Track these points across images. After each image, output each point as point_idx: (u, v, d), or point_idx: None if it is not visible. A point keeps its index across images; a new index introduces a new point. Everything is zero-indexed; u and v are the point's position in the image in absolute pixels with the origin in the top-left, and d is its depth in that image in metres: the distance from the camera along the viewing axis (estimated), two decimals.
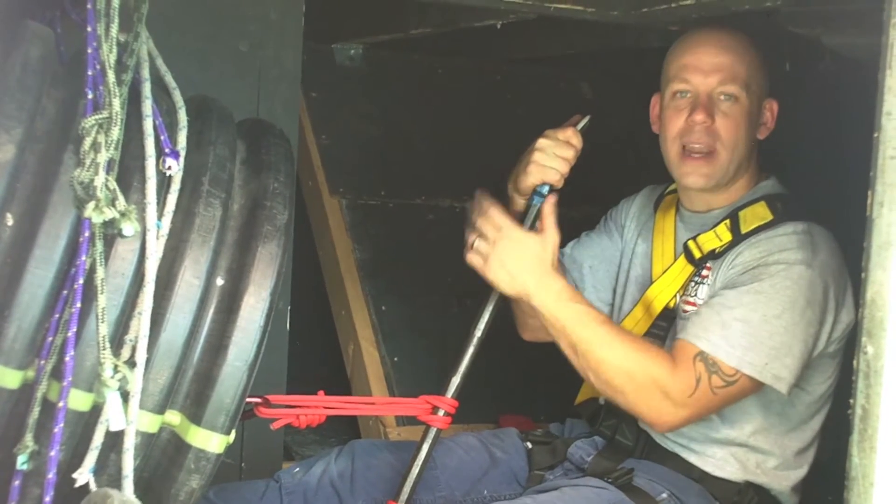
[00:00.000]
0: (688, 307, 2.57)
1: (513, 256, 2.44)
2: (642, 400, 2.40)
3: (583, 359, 2.42)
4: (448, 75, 4.10)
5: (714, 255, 2.56)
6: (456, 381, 2.52)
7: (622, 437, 2.63)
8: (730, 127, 2.55)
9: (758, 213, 2.56)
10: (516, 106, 4.08)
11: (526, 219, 2.55)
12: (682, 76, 2.58)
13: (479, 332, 2.54)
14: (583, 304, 2.45)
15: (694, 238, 2.60)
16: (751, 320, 2.39)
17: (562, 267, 2.81)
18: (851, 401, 1.70)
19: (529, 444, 2.76)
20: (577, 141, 2.56)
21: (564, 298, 2.43)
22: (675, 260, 2.66)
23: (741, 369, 2.38)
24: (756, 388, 2.43)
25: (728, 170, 2.57)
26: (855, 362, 1.70)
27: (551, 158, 2.54)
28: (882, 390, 1.66)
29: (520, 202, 2.61)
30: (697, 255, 2.59)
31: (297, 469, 2.62)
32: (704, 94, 2.55)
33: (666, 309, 2.64)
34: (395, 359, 3.47)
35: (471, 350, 2.53)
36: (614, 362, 2.39)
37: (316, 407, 2.32)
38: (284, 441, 3.32)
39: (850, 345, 1.99)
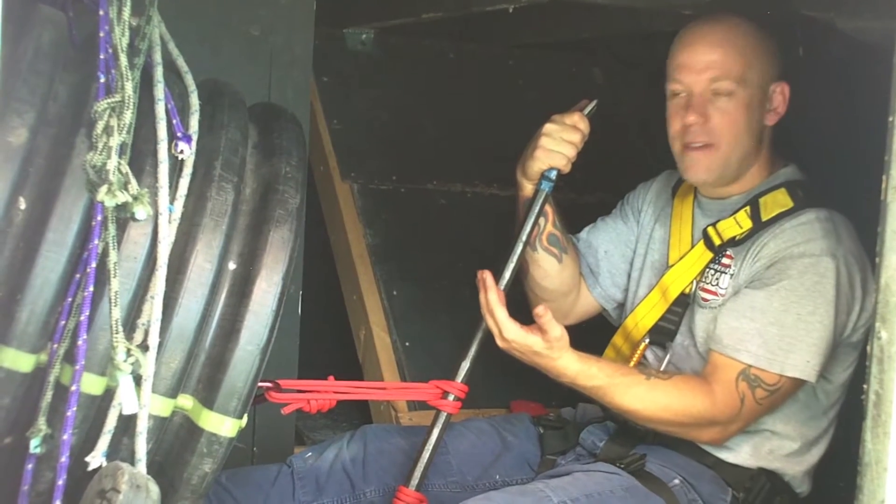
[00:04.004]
0: (707, 295, 2.56)
1: (520, 352, 2.47)
2: (693, 432, 2.50)
3: (626, 415, 2.51)
4: (459, 60, 4.09)
5: (734, 243, 2.55)
6: (466, 365, 2.52)
7: (634, 422, 2.62)
8: (726, 122, 2.53)
9: (778, 200, 2.55)
10: (528, 91, 4.06)
11: (534, 204, 2.56)
12: (675, 76, 2.57)
13: None
14: (601, 375, 2.45)
15: (713, 225, 2.59)
16: (786, 323, 2.41)
17: (576, 251, 2.80)
18: (865, 386, 1.70)
19: (541, 429, 2.76)
20: (583, 125, 2.56)
21: (581, 378, 2.45)
22: (693, 246, 2.65)
23: (784, 373, 2.41)
24: (799, 384, 2.46)
25: (730, 162, 2.56)
26: (868, 347, 1.70)
27: (558, 143, 2.54)
28: None
29: (528, 187, 2.61)
30: (717, 241, 2.58)
31: (310, 454, 2.62)
32: (697, 93, 2.54)
33: (682, 295, 2.63)
34: (407, 343, 3.46)
35: (480, 335, 2.53)
36: (654, 415, 2.47)
37: (327, 392, 2.32)
38: (296, 426, 3.33)
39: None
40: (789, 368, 2.40)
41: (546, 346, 2.42)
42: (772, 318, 2.41)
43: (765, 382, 2.41)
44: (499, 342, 2.47)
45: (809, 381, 2.43)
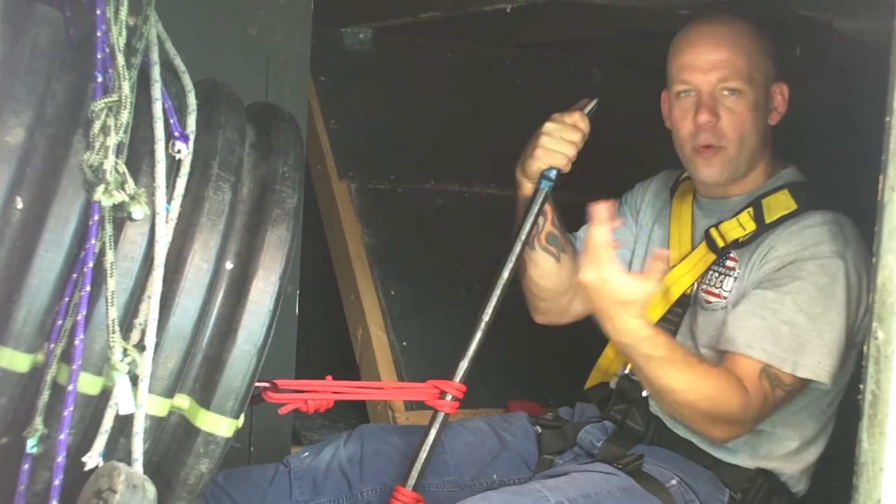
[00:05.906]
0: (710, 297, 2.55)
1: (603, 294, 2.25)
2: (716, 428, 2.40)
3: (659, 395, 2.39)
4: (457, 60, 4.09)
5: (738, 245, 2.55)
6: (464, 365, 2.52)
7: (632, 422, 2.62)
8: (735, 122, 2.52)
9: (781, 202, 2.54)
10: (526, 91, 4.06)
11: (533, 203, 2.55)
12: (682, 77, 2.56)
13: (486, 317, 2.53)
14: (664, 348, 2.30)
15: (716, 226, 2.59)
16: (798, 322, 2.38)
17: (575, 250, 2.79)
18: (861, 386, 1.70)
19: (539, 429, 2.75)
20: (584, 125, 2.56)
21: (646, 343, 2.27)
22: (694, 248, 2.64)
23: (796, 373, 2.38)
24: (805, 385, 2.44)
25: (739, 162, 2.55)
26: (865, 347, 1.70)
27: (558, 142, 2.54)
28: (892, 375, 1.66)
29: (528, 187, 2.60)
30: (720, 243, 2.57)
31: (307, 454, 2.62)
32: (707, 93, 2.53)
33: (683, 296, 2.62)
34: (404, 343, 3.46)
35: (478, 335, 2.53)
36: (692, 401, 2.33)
37: (324, 392, 2.32)
38: (293, 425, 3.33)
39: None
40: (800, 369, 2.38)
41: (637, 293, 2.22)
42: (784, 317, 2.38)
43: (783, 382, 2.38)
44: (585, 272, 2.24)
45: (822, 382, 2.40)
